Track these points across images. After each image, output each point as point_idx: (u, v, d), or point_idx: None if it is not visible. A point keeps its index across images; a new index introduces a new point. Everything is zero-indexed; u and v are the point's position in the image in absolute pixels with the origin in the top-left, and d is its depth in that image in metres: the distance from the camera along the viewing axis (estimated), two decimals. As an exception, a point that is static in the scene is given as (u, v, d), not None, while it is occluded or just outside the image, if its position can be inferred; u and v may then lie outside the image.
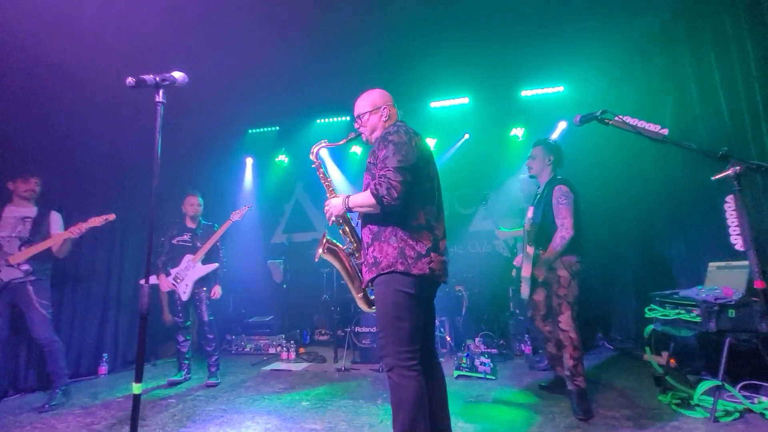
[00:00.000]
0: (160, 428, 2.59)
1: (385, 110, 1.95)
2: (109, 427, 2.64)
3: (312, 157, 2.14)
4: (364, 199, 1.73)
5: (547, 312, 2.91)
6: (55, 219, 3.29)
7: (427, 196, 1.78)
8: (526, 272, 2.80)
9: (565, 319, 2.72)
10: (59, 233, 3.22)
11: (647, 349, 3.02)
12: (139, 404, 1.30)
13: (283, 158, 6.16)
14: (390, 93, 2.06)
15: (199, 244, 3.70)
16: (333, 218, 1.91)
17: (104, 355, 4.16)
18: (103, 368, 4.09)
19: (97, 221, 3.18)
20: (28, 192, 3.18)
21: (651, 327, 2.93)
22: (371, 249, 1.78)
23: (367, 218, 1.83)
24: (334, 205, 1.86)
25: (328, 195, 2.04)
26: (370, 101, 1.97)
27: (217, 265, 3.76)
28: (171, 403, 3.12)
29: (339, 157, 6.04)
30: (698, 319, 2.48)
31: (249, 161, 6.24)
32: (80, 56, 3.77)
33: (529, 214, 2.94)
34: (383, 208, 1.67)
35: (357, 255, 2.02)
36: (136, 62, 3.74)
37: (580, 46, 4.14)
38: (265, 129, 5.98)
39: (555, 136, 5.09)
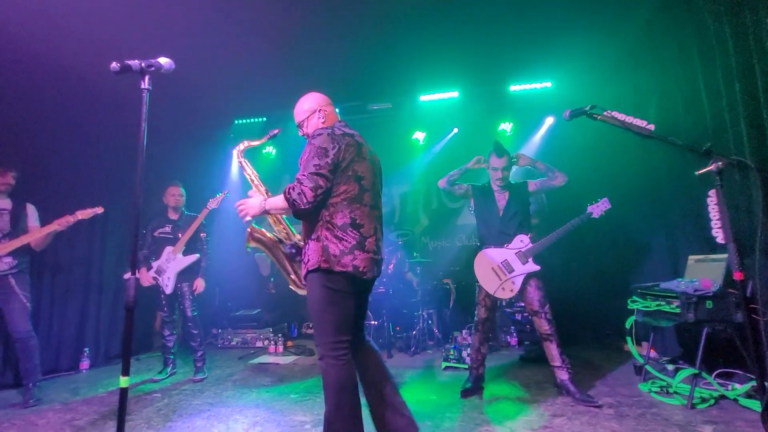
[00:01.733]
0: (145, 423, 2.55)
1: (321, 112, 2.00)
2: (92, 423, 2.58)
3: (239, 159, 2.24)
4: (279, 201, 1.80)
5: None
6: (32, 212, 3.21)
7: (354, 196, 1.81)
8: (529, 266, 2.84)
9: (550, 311, 2.81)
10: (38, 226, 3.14)
11: (629, 339, 3.10)
12: (126, 398, 1.27)
13: (270, 150, 6.08)
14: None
15: (180, 236, 3.63)
16: (248, 218, 1.88)
17: (85, 349, 4.06)
18: (85, 363, 4.00)
19: (84, 214, 3.12)
20: (4, 186, 3.07)
21: (632, 318, 3.02)
22: (305, 246, 1.86)
23: (300, 217, 1.86)
24: (251, 205, 1.87)
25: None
26: (307, 107, 2.01)
27: (197, 256, 3.67)
28: (156, 397, 3.07)
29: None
30: (677, 310, 2.57)
31: (235, 152, 6.11)
32: (61, 45, 3.63)
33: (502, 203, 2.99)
34: (294, 211, 1.76)
35: (287, 241, 2.09)
36: (119, 50, 3.61)
37: (568, 42, 4.18)
38: (252, 120, 5.87)
39: (542, 131, 5.16)
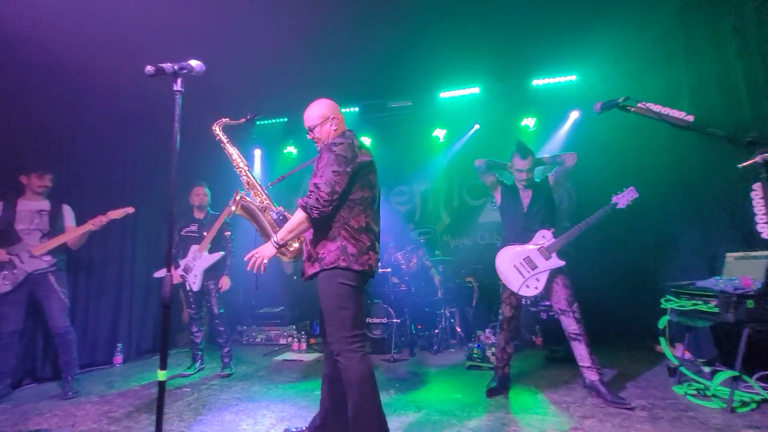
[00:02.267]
0: (177, 416, 2.63)
1: (334, 120, 2.07)
2: (127, 415, 2.68)
3: (218, 135, 2.37)
4: (291, 225, 1.86)
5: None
6: (68, 212, 3.35)
7: (368, 201, 1.96)
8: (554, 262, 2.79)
9: (579, 309, 2.75)
10: (74, 226, 3.28)
11: (662, 340, 2.99)
12: (164, 390, 1.31)
13: (291, 150, 6.15)
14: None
15: (205, 234, 3.71)
16: (265, 262, 1.90)
17: (118, 345, 4.22)
18: (118, 358, 4.16)
19: (116, 214, 3.25)
20: (42, 188, 3.21)
21: (666, 318, 2.91)
22: (316, 245, 1.92)
23: (317, 222, 1.90)
24: (265, 250, 1.90)
25: (239, 172, 2.27)
26: (319, 113, 2.06)
27: (222, 253, 3.74)
28: (186, 392, 3.16)
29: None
30: (716, 310, 2.46)
31: (257, 153, 6.24)
32: (91, 52, 3.78)
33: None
34: (313, 219, 1.83)
35: (269, 211, 2.18)
36: (145, 55, 3.71)
37: (594, 33, 4.04)
38: (273, 120, 5.95)
39: (567, 125, 5.03)
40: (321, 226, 1.92)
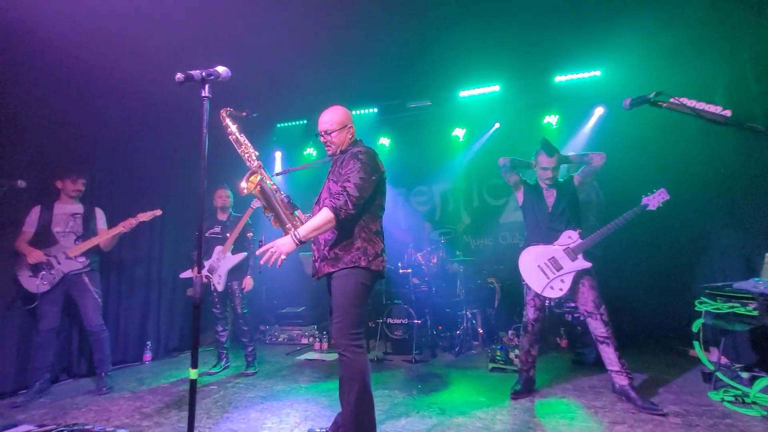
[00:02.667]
0: (205, 413, 2.69)
1: (351, 129, 2.20)
2: (158, 411, 2.76)
3: (225, 120, 2.18)
4: (317, 222, 1.90)
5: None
6: (100, 215, 3.48)
7: (382, 208, 2.13)
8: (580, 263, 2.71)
9: (606, 312, 2.67)
10: (106, 228, 3.41)
11: (696, 344, 2.87)
12: (195, 387, 1.34)
13: (311, 151, 6.22)
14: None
15: (228, 235, 3.79)
16: (283, 257, 1.87)
17: (148, 342, 4.36)
18: (148, 355, 4.30)
19: (145, 216, 3.36)
20: (76, 192, 3.34)
21: (700, 321, 2.79)
22: (336, 245, 2.00)
23: (343, 223, 1.97)
24: (283, 244, 1.87)
25: (246, 156, 2.14)
26: (337, 120, 2.15)
27: (245, 254, 3.81)
28: (213, 389, 3.24)
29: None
30: (755, 313, 2.35)
31: (278, 155, 6.33)
32: (122, 59, 3.91)
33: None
34: (340, 220, 1.90)
35: (278, 192, 2.11)
36: (170, 62, 3.83)
37: (620, 25, 3.90)
38: (293, 123, 6.03)
39: (591, 122, 4.90)
40: (344, 227, 2.00)
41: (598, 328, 2.66)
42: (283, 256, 1.88)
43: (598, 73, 4.73)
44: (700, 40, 3.66)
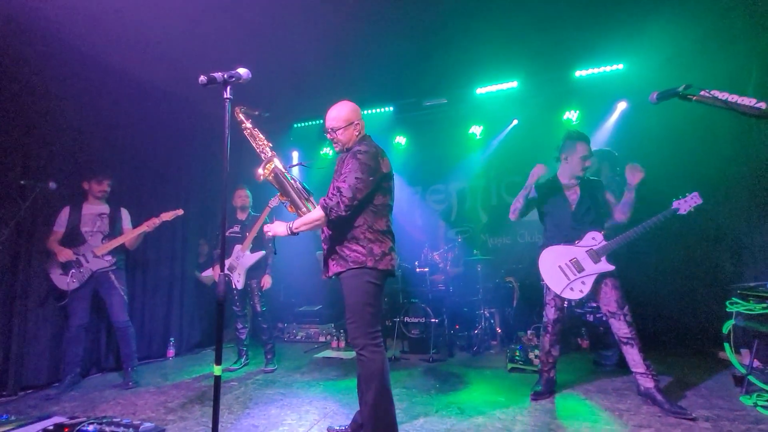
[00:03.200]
0: (227, 408, 2.75)
1: (358, 125, 2.15)
2: (182, 406, 2.84)
3: (239, 116, 2.20)
4: (308, 219, 1.99)
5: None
6: (125, 215, 3.60)
7: (389, 207, 2.11)
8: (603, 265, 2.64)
9: (630, 312, 2.60)
10: (131, 228, 3.52)
11: (726, 346, 2.77)
12: (219, 383, 1.38)
13: (327, 151, 6.26)
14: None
15: (247, 234, 3.86)
16: (270, 236, 2.13)
17: (171, 339, 4.48)
18: (171, 351, 4.41)
19: (168, 216, 3.45)
20: (101, 192, 3.46)
21: (731, 322, 2.68)
22: (342, 245, 2.02)
23: (333, 223, 2.01)
24: (278, 227, 2.06)
25: (260, 149, 2.19)
26: (344, 117, 2.12)
27: (263, 253, 3.86)
28: (234, 385, 3.30)
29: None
30: (791, 315, 2.24)
31: (295, 154, 6.39)
32: (146, 62, 4.04)
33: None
34: (330, 220, 1.93)
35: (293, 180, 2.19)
36: (194, 64, 3.93)
37: (642, 16, 3.78)
38: (310, 122, 6.08)
39: (613, 118, 4.77)
40: (348, 227, 2.02)
41: (621, 329, 2.59)
42: (272, 235, 2.07)
43: (620, 66, 4.60)
44: (730, 27, 3.50)
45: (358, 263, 1.96)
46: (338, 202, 1.91)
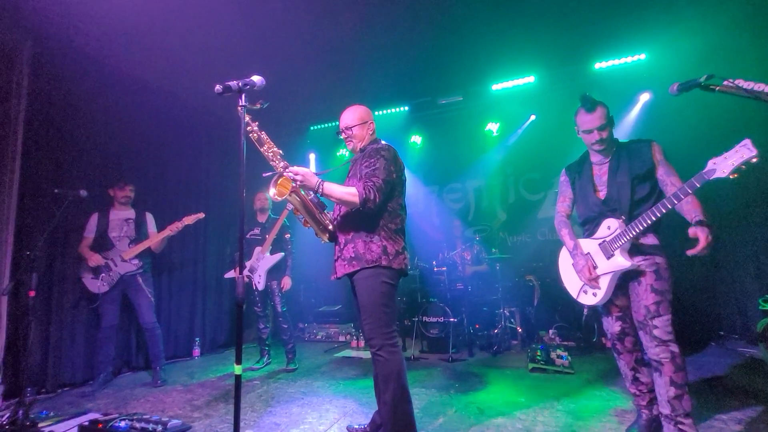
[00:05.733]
0: (249, 407, 2.82)
1: (371, 125, 2.22)
2: (207, 404, 2.93)
3: (245, 118, 1.82)
4: (344, 193, 1.89)
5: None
6: (150, 219, 3.73)
7: (402, 206, 2.12)
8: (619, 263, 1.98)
9: (665, 325, 1.87)
10: (156, 232, 3.64)
11: (761, 345, 2.64)
12: (240, 383, 1.42)
13: (344, 152, 6.32)
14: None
15: (266, 237, 3.93)
16: (298, 183, 1.84)
17: (196, 339, 4.62)
18: (196, 351, 4.56)
19: (190, 219, 3.57)
20: (125, 198, 3.60)
21: (766, 321, 2.56)
22: (353, 245, 2.01)
23: (350, 217, 2.04)
24: (307, 175, 1.84)
25: (271, 161, 1.99)
26: (359, 116, 2.19)
27: (283, 254, 3.93)
28: (256, 384, 3.38)
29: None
30: (832, 313, 2.11)
31: (312, 157, 6.48)
32: (167, 73, 4.19)
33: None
34: (363, 209, 1.90)
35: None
36: (211, 71, 4.05)
37: (667, 2, 3.64)
38: (326, 125, 6.15)
39: (636, 110, 4.62)
40: (365, 225, 2.01)
41: (649, 347, 1.90)
42: (298, 183, 1.84)
43: (642, 56, 4.46)
44: (759, 13, 3.34)
45: (373, 261, 1.95)
46: (375, 197, 1.89)
